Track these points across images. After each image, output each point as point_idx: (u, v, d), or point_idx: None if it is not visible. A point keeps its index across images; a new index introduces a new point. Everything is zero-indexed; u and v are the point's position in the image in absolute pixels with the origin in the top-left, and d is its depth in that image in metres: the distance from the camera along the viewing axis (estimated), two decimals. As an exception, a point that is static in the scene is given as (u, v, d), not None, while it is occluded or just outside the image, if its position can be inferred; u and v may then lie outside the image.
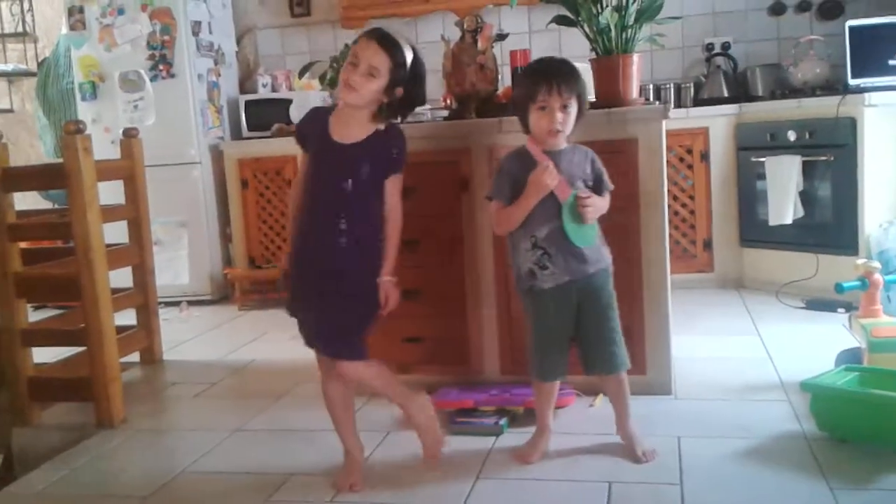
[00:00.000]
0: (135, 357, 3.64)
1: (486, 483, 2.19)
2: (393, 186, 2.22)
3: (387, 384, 2.29)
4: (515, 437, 2.45)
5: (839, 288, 2.82)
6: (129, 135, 3.65)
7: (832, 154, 3.86)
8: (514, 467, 2.27)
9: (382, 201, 2.21)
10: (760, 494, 2.01)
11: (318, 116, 2.25)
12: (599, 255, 2.26)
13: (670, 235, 2.84)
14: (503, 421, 2.54)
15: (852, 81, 4.05)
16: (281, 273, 2.31)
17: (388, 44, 2.15)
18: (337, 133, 2.18)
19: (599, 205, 2.23)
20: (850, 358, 2.63)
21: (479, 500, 2.09)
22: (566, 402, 2.62)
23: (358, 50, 2.14)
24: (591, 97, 2.91)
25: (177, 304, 4.83)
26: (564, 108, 2.16)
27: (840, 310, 3.61)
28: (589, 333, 2.27)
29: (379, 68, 2.12)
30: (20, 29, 5.95)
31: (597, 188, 2.27)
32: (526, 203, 2.19)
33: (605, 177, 2.29)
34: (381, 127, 2.19)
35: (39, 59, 5.77)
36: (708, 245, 4.39)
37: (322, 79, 3.39)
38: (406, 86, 2.18)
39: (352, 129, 2.18)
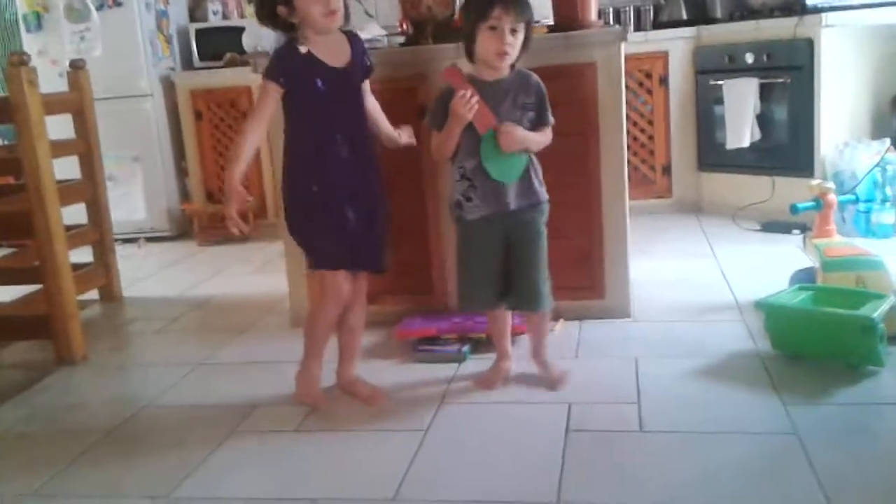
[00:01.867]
0: (94, 294, 3.60)
1: (450, 408, 2.22)
2: (367, 86, 2.29)
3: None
4: (478, 364, 2.48)
5: (794, 209, 2.86)
6: (77, 66, 3.54)
7: (789, 76, 3.88)
8: (476, 393, 2.30)
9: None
10: (716, 411, 2.07)
11: (294, 54, 2.13)
12: (530, 191, 2.22)
13: (629, 161, 2.86)
14: (465, 348, 2.57)
15: (810, 1, 4.03)
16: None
17: None
18: (332, 60, 2.16)
19: (522, 136, 2.15)
20: (804, 278, 2.69)
21: (442, 424, 2.13)
22: (518, 329, 2.63)
23: None
24: (549, 20, 2.88)
25: (134, 240, 4.77)
26: (514, 31, 2.11)
27: (795, 231, 3.68)
28: (514, 271, 2.26)
29: None
30: (-45, -44, 5.67)
31: (538, 119, 2.21)
32: (447, 133, 2.18)
33: (546, 107, 2.22)
34: (347, 39, 2.21)
35: (-22, -11, 5.52)
36: (666, 170, 4.42)
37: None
38: None
39: (339, 51, 2.18)
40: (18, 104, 2.75)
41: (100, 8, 4.72)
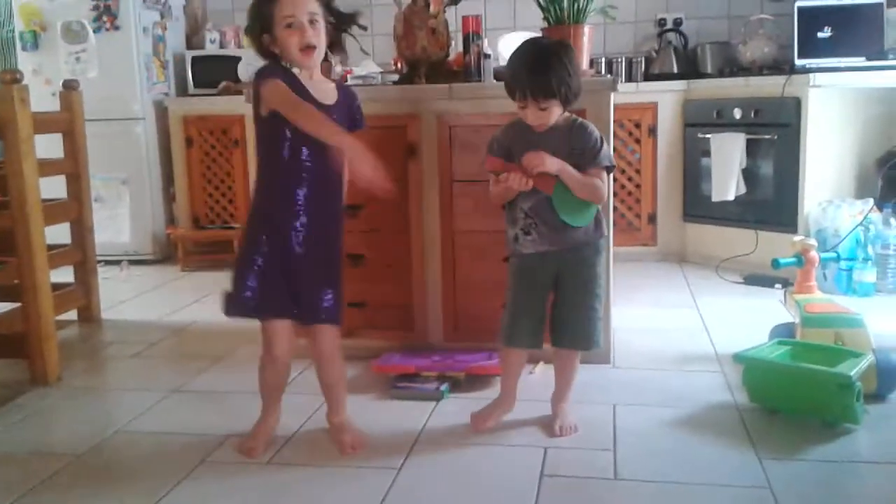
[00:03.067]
0: (72, 315, 3.57)
1: (424, 447, 2.20)
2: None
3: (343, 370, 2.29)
4: (456, 403, 2.47)
5: (776, 264, 2.88)
6: (70, 87, 3.55)
7: (776, 133, 3.93)
8: (452, 432, 2.29)
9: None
10: (691, 462, 2.06)
11: (290, 77, 2.07)
12: (589, 229, 2.21)
13: (615, 208, 2.87)
14: (444, 387, 2.56)
15: (799, 62, 4.12)
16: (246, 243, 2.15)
17: None
18: (319, 96, 2.08)
19: (551, 162, 2.09)
20: (783, 332, 2.71)
21: (416, 463, 2.11)
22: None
23: (286, 10, 2.01)
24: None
25: (117, 262, 4.73)
26: (543, 109, 2.12)
27: (777, 286, 3.70)
28: (563, 305, 2.24)
29: (316, 11, 2.05)
30: (-44, -27, 5.70)
31: (583, 162, 2.16)
32: (498, 194, 2.21)
33: (598, 152, 2.16)
34: (336, 85, 2.17)
35: (-23, 6, 5.54)
36: (652, 219, 4.46)
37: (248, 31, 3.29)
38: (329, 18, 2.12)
39: (324, 89, 2.11)
40: (8, 121, 2.75)
41: (97, 30, 4.75)
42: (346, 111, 2.15)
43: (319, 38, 2.05)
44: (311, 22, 2.03)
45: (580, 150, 2.16)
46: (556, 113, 2.15)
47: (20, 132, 2.75)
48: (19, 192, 2.77)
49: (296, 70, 2.09)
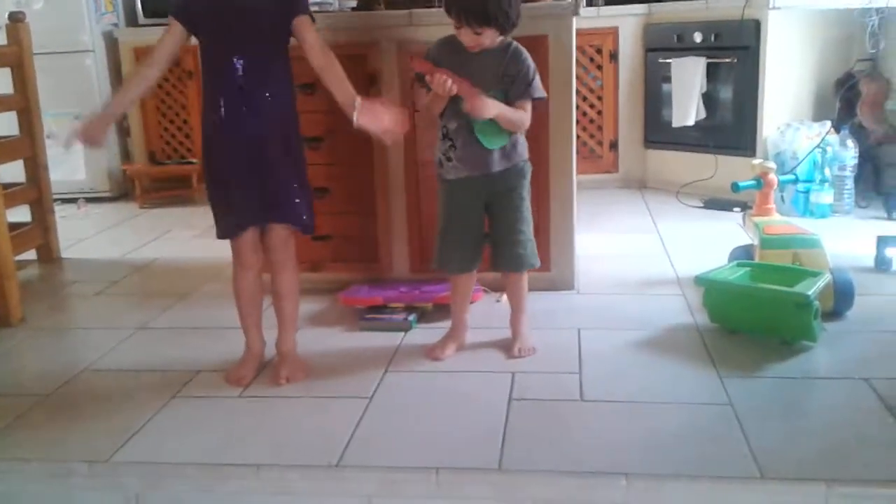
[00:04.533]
0: (31, 255, 3.51)
1: (395, 375, 2.23)
2: (305, 30, 2.08)
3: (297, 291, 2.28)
4: (424, 333, 2.50)
5: (735, 187, 2.92)
6: (16, 19, 3.41)
7: (736, 56, 3.94)
8: (422, 361, 2.32)
9: (287, 58, 2.13)
10: (654, 381, 2.12)
11: None
12: (512, 152, 2.23)
13: (578, 136, 2.88)
14: (412, 317, 2.58)
15: (758, -17, 4.10)
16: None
17: None
18: None
19: (491, 107, 2.10)
20: (742, 254, 2.76)
21: (386, 392, 2.14)
22: (474, 297, 2.67)
23: None
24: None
25: (74, 200, 4.64)
26: (478, 33, 2.11)
27: (736, 209, 3.76)
28: (498, 231, 2.29)
29: None
30: None
31: (512, 92, 2.17)
32: (432, 101, 2.19)
33: (528, 81, 2.17)
34: None
35: None
36: (614, 146, 4.47)
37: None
38: None
39: None
40: (-47, 55, 2.65)
41: (39, -42, 4.55)
42: (270, 4, 2.06)
43: None
44: None
45: (511, 78, 2.17)
46: (490, 37, 2.14)
47: (-35, 67, 2.66)
48: (-32, 130, 2.69)
49: None
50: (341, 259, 2.93)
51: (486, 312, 2.61)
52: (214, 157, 2.14)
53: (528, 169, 2.30)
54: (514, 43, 2.21)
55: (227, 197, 2.13)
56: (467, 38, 2.13)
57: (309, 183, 2.22)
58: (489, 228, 2.31)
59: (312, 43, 2.09)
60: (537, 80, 2.21)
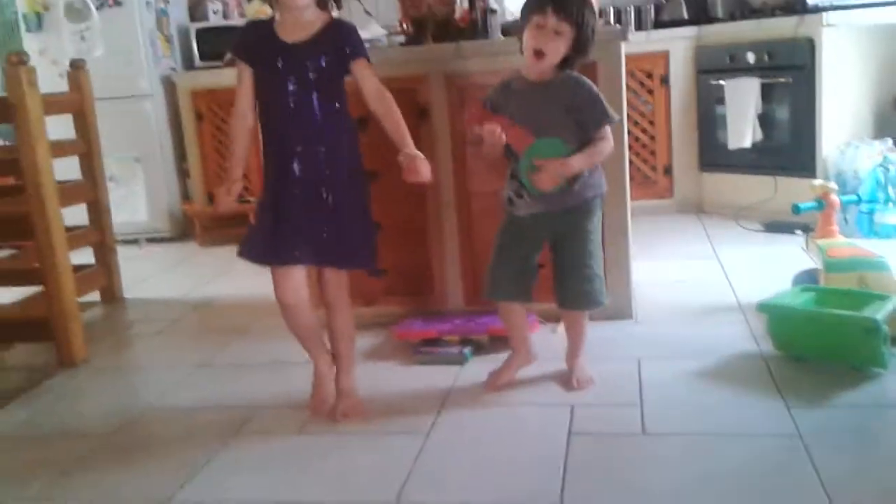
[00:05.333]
0: (95, 296, 3.59)
1: (452, 411, 2.21)
2: (364, 71, 2.12)
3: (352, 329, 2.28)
4: (480, 366, 2.47)
5: (796, 209, 2.85)
6: (77, 66, 3.54)
7: (791, 76, 3.87)
8: (479, 394, 2.29)
9: (345, 100, 2.16)
10: (719, 413, 2.06)
11: (260, 28, 2.15)
12: (585, 184, 2.16)
13: (630, 161, 2.85)
14: (467, 350, 2.56)
15: (810, 1, 4.02)
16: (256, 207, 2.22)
17: None
18: (290, 37, 2.09)
19: (560, 169, 2.07)
20: (806, 278, 2.68)
21: (444, 427, 2.12)
22: (530, 329, 2.64)
23: None
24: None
25: (135, 241, 4.76)
26: (557, 33, 2.06)
27: (797, 231, 3.67)
28: (564, 266, 2.24)
29: None
30: (-45, -44, 5.67)
31: (585, 124, 2.12)
32: (481, 154, 2.20)
33: (598, 108, 2.11)
34: (326, 22, 2.11)
35: (-22, -11, 5.52)
36: (668, 170, 4.41)
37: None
38: None
39: (304, 30, 2.09)
40: (17, 104, 2.74)
41: (100, 7, 4.71)
42: (331, 45, 2.09)
43: None
44: None
45: (580, 107, 2.12)
46: (560, 49, 2.08)
47: (30, 114, 2.75)
48: (33, 175, 2.77)
49: (280, 18, 2.11)
50: (395, 293, 2.93)
51: (542, 344, 2.57)
52: (270, 189, 2.15)
53: (600, 203, 2.24)
54: (573, 73, 2.17)
55: (279, 228, 2.12)
56: (542, 39, 2.05)
57: (372, 219, 2.23)
58: (555, 262, 2.26)
59: (370, 88, 2.13)
60: (605, 103, 2.14)
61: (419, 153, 2.11)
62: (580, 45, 2.10)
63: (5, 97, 2.79)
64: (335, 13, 2.17)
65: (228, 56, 4.82)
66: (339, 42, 2.11)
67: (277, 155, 2.13)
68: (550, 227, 2.22)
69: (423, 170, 2.10)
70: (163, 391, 2.54)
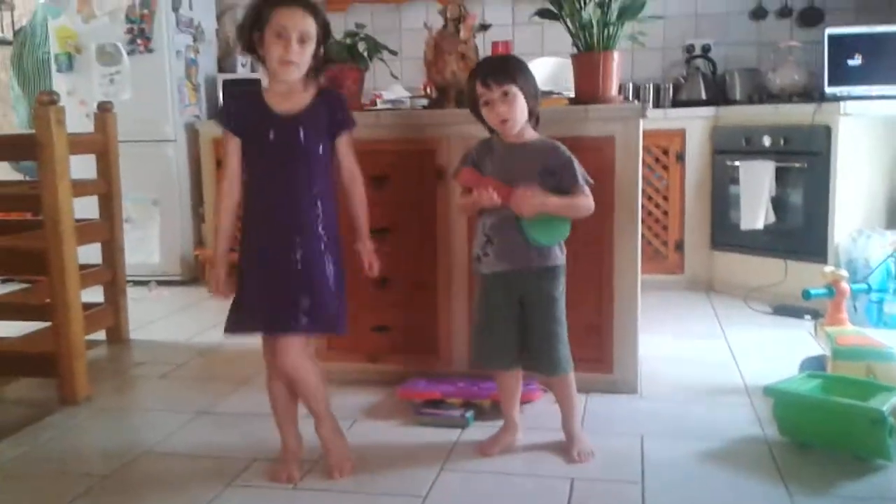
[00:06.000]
0: (101, 335, 3.60)
1: (450, 475, 2.19)
2: (346, 147, 2.18)
3: (322, 385, 2.22)
4: (481, 431, 2.45)
5: (806, 294, 2.85)
6: (104, 108, 3.60)
7: (806, 161, 3.90)
8: (478, 460, 2.28)
9: (331, 167, 2.18)
10: (720, 496, 2.04)
11: (248, 97, 2.16)
12: (548, 252, 2.24)
13: (642, 235, 2.86)
14: (469, 414, 2.55)
15: (829, 89, 4.09)
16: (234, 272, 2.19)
17: (311, 6, 2.11)
18: (281, 107, 2.10)
19: (539, 200, 2.15)
20: (814, 365, 2.67)
21: (442, 491, 2.10)
22: (532, 397, 2.63)
23: (281, 19, 2.03)
24: (571, 93, 2.92)
25: (146, 283, 4.78)
26: (504, 95, 2.17)
27: (807, 317, 3.65)
28: (531, 332, 2.27)
29: (310, 32, 2.06)
30: (-4, -4, 5.84)
31: (561, 183, 2.21)
32: (472, 206, 2.25)
33: (574, 171, 2.21)
34: (316, 92, 2.15)
35: (16, 28, 5.66)
36: (679, 247, 4.43)
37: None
38: (325, 43, 2.15)
39: (296, 100, 2.12)
40: (44, 142, 2.79)
41: (131, 52, 4.82)
42: (321, 116, 2.13)
43: (303, 56, 2.07)
44: (300, 40, 2.05)
45: (553, 171, 2.21)
46: (521, 109, 2.19)
47: (56, 153, 2.80)
48: (53, 212, 2.80)
49: (270, 85, 2.14)
50: (399, 351, 2.93)
51: (544, 413, 2.55)
52: (249, 253, 2.15)
53: (562, 273, 2.29)
54: (549, 139, 2.28)
55: (252, 295, 2.12)
56: (499, 109, 2.17)
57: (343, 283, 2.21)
58: (524, 329, 2.28)
59: (348, 165, 2.20)
60: (580, 168, 2.24)
61: (372, 247, 2.24)
62: (529, 94, 2.21)
63: (33, 134, 2.84)
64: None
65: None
66: (331, 112, 2.15)
67: (262, 224, 2.13)
68: (517, 289, 2.25)
69: (375, 267, 2.25)
70: (163, 435, 2.53)
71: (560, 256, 2.28)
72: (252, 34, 2.10)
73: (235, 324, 2.15)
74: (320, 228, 2.12)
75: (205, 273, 4.82)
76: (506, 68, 2.21)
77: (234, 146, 2.15)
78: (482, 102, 2.21)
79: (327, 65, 2.25)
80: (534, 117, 2.27)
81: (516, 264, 2.23)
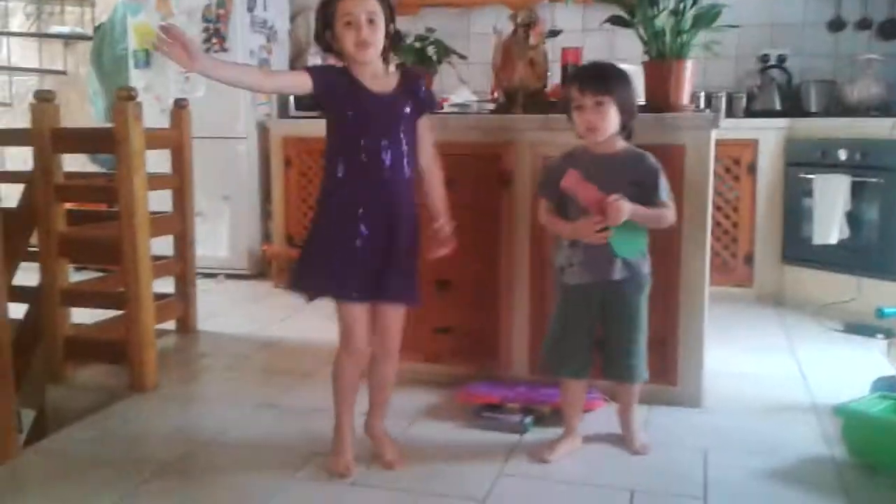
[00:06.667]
0: (170, 325, 3.69)
1: (509, 479, 2.19)
2: (426, 128, 2.23)
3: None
4: (540, 437, 2.44)
5: (880, 313, 2.77)
6: (180, 105, 3.69)
7: (883, 177, 3.79)
8: (537, 466, 2.27)
9: (415, 145, 2.21)
10: (784, 516, 1.99)
11: (341, 72, 2.16)
12: (634, 265, 2.26)
13: (711, 246, 2.81)
14: (528, 420, 2.54)
15: (909, 103, 3.97)
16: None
17: None
18: (375, 87, 2.14)
19: (628, 208, 2.12)
20: (885, 386, 2.59)
21: (500, 495, 2.09)
22: (594, 405, 2.61)
23: (346, 8, 2.07)
24: (641, 101, 2.88)
25: (214, 275, 4.88)
26: (598, 104, 2.18)
27: (879, 336, 3.54)
28: (610, 340, 2.31)
29: (376, 12, 2.09)
30: (80, -7, 6.04)
31: (648, 195, 2.21)
32: (565, 235, 2.26)
33: (661, 183, 2.23)
34: (399, 73, 2.20)
35: (96, 24, 5.84)
36: (749, 259, 4.33)
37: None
38: (392, 21, 2.17)
39: (384, 81, 2.16)
40: (122, 137, 2.88)
41: (207, 51, 4.92)
42: (410, 95, 2.18)
43: (376, 36, 2.10)
44: (370, 21, 2.08)
45: (640, 182, 2.22)
46: (611, 121, 2.19)
47: (133, 147, 2.88)
48: (129, 205, 2.89)
49: (355, 69, 2.14)
50: (460, 353, 2.94)
51: (607, 422, 2.52)
52: (337, 222, 2.16)
53: (648, 283, 2.31)
54: (637, 149, 2.28)
55: (347, 263, 2.14)
56: (590, 116, 2.18)
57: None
58: (602, 336, 2.31)
59: (428, 145, 2.25)
60: (665, 183, 2.25)
61: (450, 228, 2.23)
62: (624, 108, 2.21)
63: (111, 128, 2.93)
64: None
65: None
66: (417, 90, 2.20)
67: (352, 197, 2.14)
68: (600, 300, 2.27)
69: (448, 247, 2.24)
70: (225, 426, 2.58)
71: (646, 265, 2.30)
72: (325, 34, 2.14)
73: (341, 288, 2.15)
74: (413, 205, 2.20)
75: (271, 267, 4.90)
76: (604, 78, 2.22)
77: (303, 82, 2.11)
78: (574, 106, 2.22)
79: (397, 43, 2.28)
80: (626, 130, 2.27)
81: (602, 276, 2.24)
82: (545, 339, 2.38)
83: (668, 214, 2.24)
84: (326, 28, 2.13)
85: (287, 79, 2.23)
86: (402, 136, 2.15)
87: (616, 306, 2.28)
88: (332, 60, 2.23)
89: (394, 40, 2.20)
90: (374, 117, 2.13)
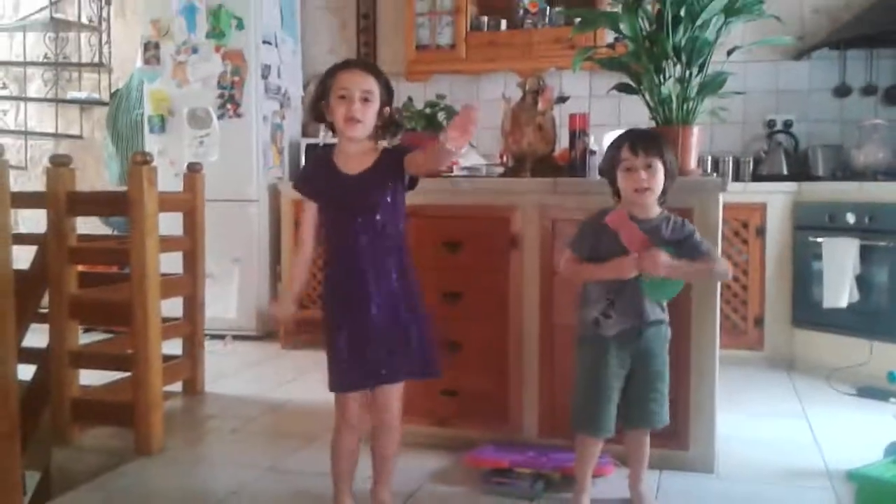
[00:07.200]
0: (177, 386, 3.68)
1: (517, 546, 2.15)
2: (411, 157, 2.16)
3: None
4: (550, 503, 2.40)
5: (892, 377, 2.75)
6: (194, 169, 3.74)
7: (892, 240, 3.79)
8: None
9: (404, 216, 2.23)
10: (800, 585, 1.94)
11: (319, 161, 2.24)
12: (663, 309, 2.31)
13: (721, 310, 2.80)
14: (539, 485, 2.50)
15: (916, 167, 4.00)
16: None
17: (372, 67, 2.20)
18: (348, 167, 2.18)
19: (667, 262, 2.17)
20: (900, 451, 2.55)
21: (507, 563, 2.06)
22: (604, 471, 2.57)
23: (342, 82, 2.13)
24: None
25: (221, 337, 4.88)
26: (648, 167, 2.21)
27: (892, 399, 3.50)
28: (637, 388, 2.29)
29: (372, 91, 2.14)
30: (97, 59, 6.19)
31: (686, 252, 2.24)
32: (601, 274, 2.26)
33: (698, 241, 2.27)
34: (381, 150, 2.23)
35: (112, 90, 5.97)
36: (759, 322, 4.31)
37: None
38: (389, 104, 2.21)
39: (361, 160, 2.18)
40: (136, 199, 2.92)
41: (221, 117, 5.03)
42: (384, 169, 2.18)
43: (367, 113, 2.14)
44: (364, 99, 2.13)
45: (677, 242, 2.24)
46: (659, 184, 2.22)
47: (146, 210, 2.92)
48: (140, 267, 2.91)
49: (340, 146, 2.21)
50: (468, 416, 2.91)
51: (617, 488, 2.48)
52: (340, 310, 2.19)
53: (668, 328, 2.35)
54: (672, 213, 2.31)
55: (354, 351, 2.16)
56: (639, 177, 2.20)
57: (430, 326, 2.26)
58: (626, 386, 2.31)
59: (415, 155, 2.16)
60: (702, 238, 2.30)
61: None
62: (669, 171, 2.25)
63: (125, 191, 2.97)
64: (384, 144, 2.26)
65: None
66: (391, 157, 2.20)
67: (347, 285, 2.17)
68: (633, 347, 2.27)
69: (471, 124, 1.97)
70: (230, 490, 2.56)
71: (665, 313, 2.33)
72: (319, 104, 2.20)
73: (343, 383, 2.19)
74: (396, 276, 2.18)
75: (279, 329, 4.90)
76: (657, 142, 2.26)
77: (310, 211, 2.24)
78: (623, 167, 2.24)
79: (398, 128, 2.32)
80: (664, 195, 2.30)
81: (639, 318, 2.26)
82: (576, 399, 2.33)
83: (717, 266, 2.27)
84: (322, 98, 2.19)
85: (310, 222, 2.25)
86: (377, 216, 2.15)
87: (648, 353, 2.28)
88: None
89: (387, 122, 2.23)
90: (347, 197, 2.16)
